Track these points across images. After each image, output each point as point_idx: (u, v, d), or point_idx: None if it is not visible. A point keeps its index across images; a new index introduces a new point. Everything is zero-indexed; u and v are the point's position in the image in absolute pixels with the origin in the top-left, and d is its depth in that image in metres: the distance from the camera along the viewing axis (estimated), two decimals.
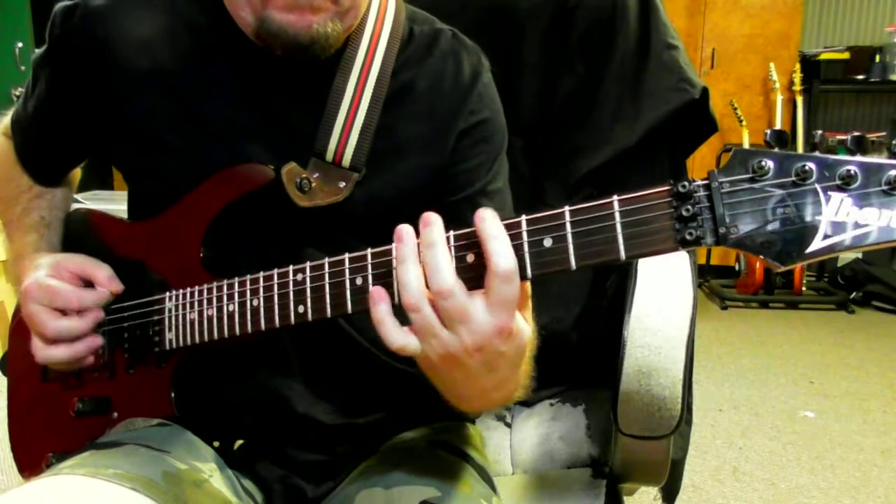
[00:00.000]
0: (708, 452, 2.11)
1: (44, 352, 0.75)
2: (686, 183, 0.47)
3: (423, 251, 0.52)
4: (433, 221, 0.53)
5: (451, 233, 0.54)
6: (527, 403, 1.09)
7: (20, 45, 3.33)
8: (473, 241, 0.53)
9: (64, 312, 0.74)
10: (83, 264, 0.77)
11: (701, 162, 3.61)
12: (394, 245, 0.55)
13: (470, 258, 0.53)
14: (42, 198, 0.85)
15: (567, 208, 0.51)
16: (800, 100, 3.72)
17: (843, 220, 0.44)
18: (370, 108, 0.71)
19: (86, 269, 0.76)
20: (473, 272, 0.53)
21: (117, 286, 0.76)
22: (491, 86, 0.78)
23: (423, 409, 0.81)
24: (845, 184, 0.44)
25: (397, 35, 0.74)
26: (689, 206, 0.47)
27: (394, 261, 0.55)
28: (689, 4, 3.82)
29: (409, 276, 0.52)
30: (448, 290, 0.51)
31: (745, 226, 0.46)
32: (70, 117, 0.78)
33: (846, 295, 3.66)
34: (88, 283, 0.77)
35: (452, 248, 0.53)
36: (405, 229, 0.54)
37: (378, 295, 0.54)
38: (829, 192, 0.44)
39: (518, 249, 0.52)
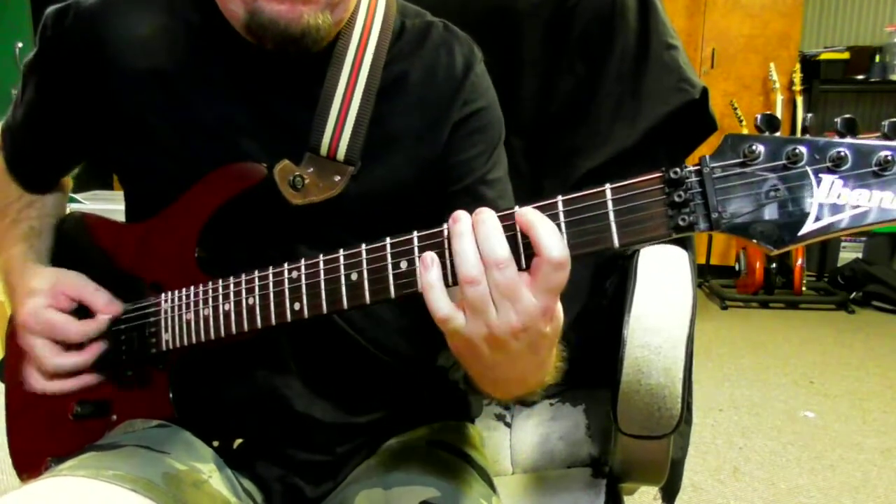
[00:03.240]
0: (708, 452, 2.11)
1: (40, 383, 0.76)
2: (678, 169, 0.48)
3: (476, 227, 0.52)
4: (485, 209, 0.52)
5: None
6: (526, 403, 1.09)
7: (20, 45, 3.32)
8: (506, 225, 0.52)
9: (64, 347, 0.75)
10: (80, 289, 0.77)
11: (699, 160, 3.60)
12: (446, 226, 0.54)
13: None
14: (32, 206, 0.85)
15: (560, 197, 0.51)
16: (800, 100, 3.72)
17: (835, 202, 0.44)
18: (363, 100, 0.71)
19: (83, 294, 0.76)
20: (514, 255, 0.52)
21: (116, 308, 0.76)
22: (484, 76, 0.78)
23: (423, 408, 0.81)
24: (836, 166, 0.44)
25: (388, 28, 0.74)
26: (682, 192, 0.47)
27: (445, 241, 0.54)
28: (689, 4, 3.81)
29: (467, 247, 0.51)
30: (504, 259, 0.50)
31: (738, 210, 0.46)
32: (63, 120, 0.77)
33: (846, 295, 3.65)
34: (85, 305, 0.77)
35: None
36: (461, 212, 0.53)
37: (431, 259, 0.53)
38: (821, 175, 0.44)
39: (512, 239, 0.52)
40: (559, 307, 0.54)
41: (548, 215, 0.51)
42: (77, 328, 0.75)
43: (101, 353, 0.76)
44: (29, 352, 0.75)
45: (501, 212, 0.53)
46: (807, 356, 2.93)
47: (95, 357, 0.75)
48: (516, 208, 0.52)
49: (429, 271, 0.53)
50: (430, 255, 0.53)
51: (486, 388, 0.63)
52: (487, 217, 0.52)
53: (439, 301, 0.52)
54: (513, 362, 0.56)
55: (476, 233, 0.51)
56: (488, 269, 0.51)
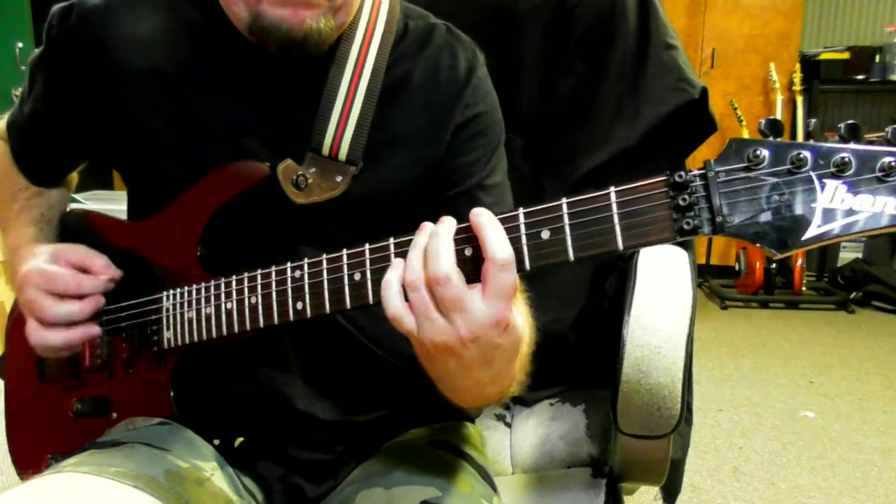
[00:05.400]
0: (708, 452, 2.11)
1: (39, 334, 0.74)
2: (682, 173, 0.48)
3: (429, 240, 0.54)
4: (447, 220, 0.55)
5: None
6: (527, 403, 1.10)
7: (20, 45, 3.33)
8: (472, 236, 0.53)
9: (63, 298, 0.74)
10: (82, 255, 0.77)
11: (701, 162, 3.60)
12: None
13: (468, 252, 0.54)
14: (41, 196, 0.85)
15: (564, 200, 0.51)
16: (800, 100, 3.72)
17: (838, 207, 0.44)
18: (365, 101, 0.72)
19: (83, 259, 0.77)
20: (472, 265, 0.53)
21: (115, 272, 0.76)
22: (486, 79, 0.79)
23: (424, 408, 0.82)
24: (840, 171, 0.44)
25: (391, 30, 0.75)
26: (686, 196, 0.48)
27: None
28: (689, 4, 3.82)
29: (414, 256, 0.54)
30: (444, 276, 0.52)
31: (742, 214, 0.46)
32: (67, 118, 0.78)
33: (846, 295, 3.65)
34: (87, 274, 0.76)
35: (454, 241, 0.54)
36: (427, 223, 0.55)
37: (396, 263, 0.55)
38: (824, 180, 0.45)
39: (516, 242, 0.52)
40: (518, 321, 0.55)
41: (552, 217, 0.52)
42: (74, 279, 0.74)
43: (99, 306, 0.76)
44: (29, 305, 0.74)
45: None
46: (807, 356, 2.94)
47: (93, 309, 0.75)
48: (473, 210, 0.53)
49: (392, 270, 0.55)
50: (397, 260, 0.56)
51: (446, 393, 0.64)
52: (442, 230, 0.54)
53: (392, 300, 0.54)
54: (466, 371, 0.57)
55: (427, 245, 0.53)
56: (431, 285, 0.52)
